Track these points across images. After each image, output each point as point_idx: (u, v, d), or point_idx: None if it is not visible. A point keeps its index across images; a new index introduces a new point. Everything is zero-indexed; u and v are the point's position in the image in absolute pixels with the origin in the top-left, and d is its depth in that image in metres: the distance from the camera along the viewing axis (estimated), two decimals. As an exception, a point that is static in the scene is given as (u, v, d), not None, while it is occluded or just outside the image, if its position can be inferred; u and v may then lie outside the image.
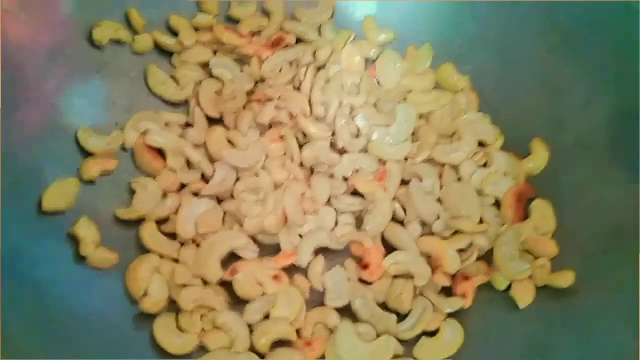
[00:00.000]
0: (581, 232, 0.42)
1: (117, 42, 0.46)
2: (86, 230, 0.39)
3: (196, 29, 0.49)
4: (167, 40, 0.48)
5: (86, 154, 0.43)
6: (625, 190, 0.40)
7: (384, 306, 0.42)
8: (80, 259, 0.39)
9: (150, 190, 0.43)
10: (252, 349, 0.38)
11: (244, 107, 0.48)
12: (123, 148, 0.45)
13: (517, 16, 0.48)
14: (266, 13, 0.52)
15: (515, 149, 0.47)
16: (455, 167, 0.47)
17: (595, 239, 0.40)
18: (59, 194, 0.39)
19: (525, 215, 0.44)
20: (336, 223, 0.45)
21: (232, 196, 0.44)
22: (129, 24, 0.47)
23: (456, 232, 0.44)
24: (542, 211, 0.43)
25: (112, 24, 0.45)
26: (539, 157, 0.46)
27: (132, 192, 0.43)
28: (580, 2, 0.44)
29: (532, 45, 0.48)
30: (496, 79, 0.49)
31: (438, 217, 0.44)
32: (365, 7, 0.52)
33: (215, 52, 0.50)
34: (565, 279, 0.40)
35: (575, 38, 0.45)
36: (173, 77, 0.48)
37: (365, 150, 0.47)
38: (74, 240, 0.39)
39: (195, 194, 0.44)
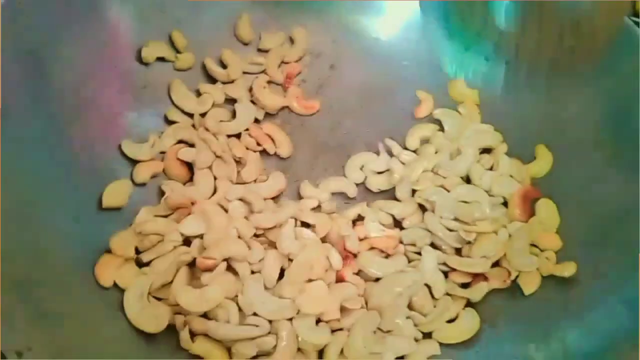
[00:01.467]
0: (582, 227, 0.46)
1: (162, 59, 0.52)
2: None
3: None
4: (217, 69, 0.54)
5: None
6: (623, 186, 0.44)
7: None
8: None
9: (178, 192, 0.47)
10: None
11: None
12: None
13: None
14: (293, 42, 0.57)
15: (520, 155, 0.51)
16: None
17: (595, 233, 0.44)
18: (115, 193, 0.45)
19: (531, 214, 0.48)
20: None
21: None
22: (172, 44, 0.52)
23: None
24: (547, 209, 0.47)
25: (158, 43, 0.51)
26: (543, 162, 0.50)
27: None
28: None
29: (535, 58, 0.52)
30: (506, 88, 0.54)
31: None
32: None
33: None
34: (568, 269, 0.44)
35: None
36: (197, 92, 0.53)
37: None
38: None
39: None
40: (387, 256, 0.46)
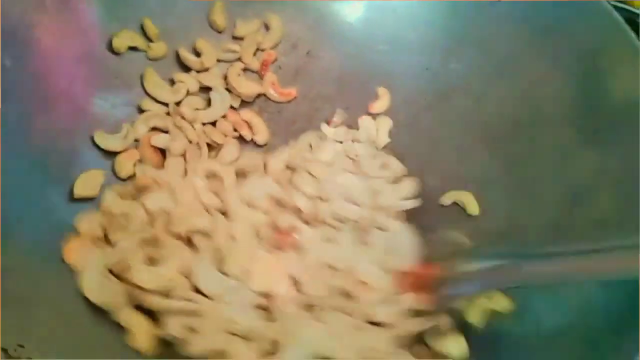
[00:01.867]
0: (556, 205, 0.45)
1: (134, 49, 0.51)
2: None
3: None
4: (190, 57, 0.53)
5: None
6: (597, 163, 0.44)
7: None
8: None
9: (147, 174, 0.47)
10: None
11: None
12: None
13: (497, 16, 0.52)
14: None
15: (495, 138, 0.51)
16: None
17: (567, 210, 0.44)
18: (87, 183, 0.44)
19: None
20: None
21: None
22: (144, 33, 0.52)
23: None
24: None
25: (129, 33, 0.51)
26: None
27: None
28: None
29: (511, 41, 0.52)
30: (481, 71, 0.53)
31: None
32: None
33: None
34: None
35: (548, 34, 0.50)
36: (171, 81, 0.52)
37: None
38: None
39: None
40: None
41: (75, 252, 0.40)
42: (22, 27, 0.43)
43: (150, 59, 0.52)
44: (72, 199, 0.44)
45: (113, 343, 0.38)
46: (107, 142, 0.48)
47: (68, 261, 0.40)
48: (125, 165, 0.47)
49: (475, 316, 0.43)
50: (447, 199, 0.50)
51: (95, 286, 0.39)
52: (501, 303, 0.42)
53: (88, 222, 0.42)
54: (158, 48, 0.52)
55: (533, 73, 0.50)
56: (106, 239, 0.43)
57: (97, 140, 0.47)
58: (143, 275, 0.40)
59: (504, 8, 0.52)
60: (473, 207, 0.49)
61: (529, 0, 0.51)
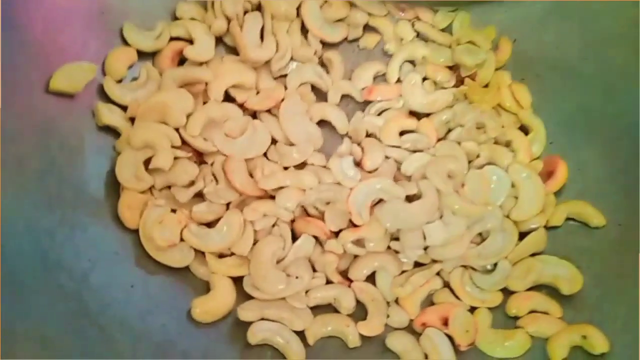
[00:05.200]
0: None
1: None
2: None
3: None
4: None
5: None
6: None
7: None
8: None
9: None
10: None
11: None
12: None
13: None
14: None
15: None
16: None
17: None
18: (69, 75, 0.38)
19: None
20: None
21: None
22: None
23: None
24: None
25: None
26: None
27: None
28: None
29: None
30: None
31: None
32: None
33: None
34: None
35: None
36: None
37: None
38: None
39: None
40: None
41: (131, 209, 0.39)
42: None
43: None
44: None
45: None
46: (137, 38, 0.41)
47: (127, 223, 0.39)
48: (117, 66, 0.40)
49: (558, 353, 0.36)
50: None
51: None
52: (597, 343, 0.35)
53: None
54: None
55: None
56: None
57: (126, 32, 0.41)
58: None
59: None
60: (597, 219, 0.41)
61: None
